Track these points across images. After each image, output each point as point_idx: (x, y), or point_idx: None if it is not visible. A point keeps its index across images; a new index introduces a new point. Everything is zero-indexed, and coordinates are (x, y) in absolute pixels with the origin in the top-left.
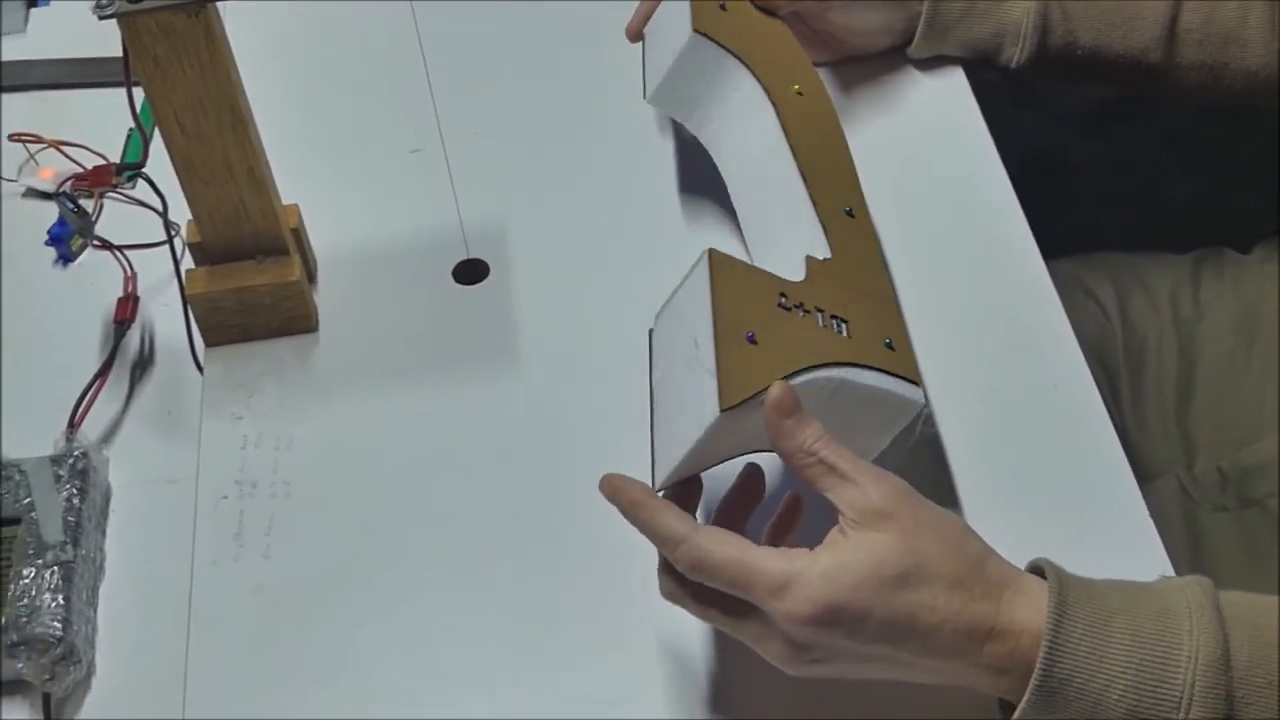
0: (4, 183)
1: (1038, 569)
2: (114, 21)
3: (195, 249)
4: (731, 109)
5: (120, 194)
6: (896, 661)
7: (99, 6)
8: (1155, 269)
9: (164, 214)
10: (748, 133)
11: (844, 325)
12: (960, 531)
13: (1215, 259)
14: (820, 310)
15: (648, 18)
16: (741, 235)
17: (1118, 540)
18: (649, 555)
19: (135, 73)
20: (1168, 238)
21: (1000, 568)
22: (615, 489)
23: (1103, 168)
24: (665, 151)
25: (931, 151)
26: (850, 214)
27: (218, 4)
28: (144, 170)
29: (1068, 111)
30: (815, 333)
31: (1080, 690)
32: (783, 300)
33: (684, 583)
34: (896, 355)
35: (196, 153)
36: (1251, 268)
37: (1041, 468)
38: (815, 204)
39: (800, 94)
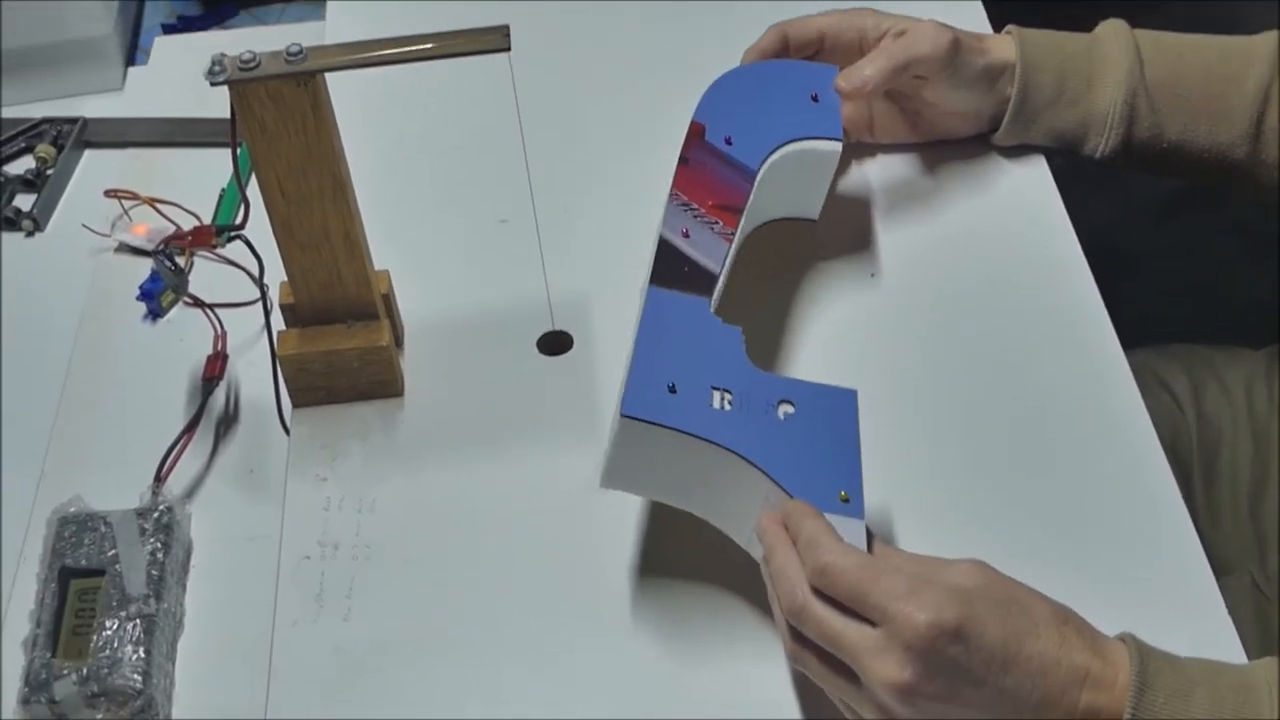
0: (98, 237)
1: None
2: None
3: (287, 310)
4: None
5: (214, 253)
6: (1001, 692)
7: (211, 74)
8: (1230, 362)
9: (260, 276)
10: None
11: None
12: (1039, 592)
13: None
14: None
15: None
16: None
17: (1193, 633)
18: (735, 627)
19: (241, 137)
20: (1237, 329)
21: (1085, 622)
22: (795, 507)
23: (1169, 256)
24: (756, 230)
25: (1013, 238)
26: None
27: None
28: (243, 232)
29: (1134, 199)
30: None
31: None
32: None
33: (809, 615)
34: None
35: (296, 217)
36: None
37: (1117, 557)
38: None
39: None
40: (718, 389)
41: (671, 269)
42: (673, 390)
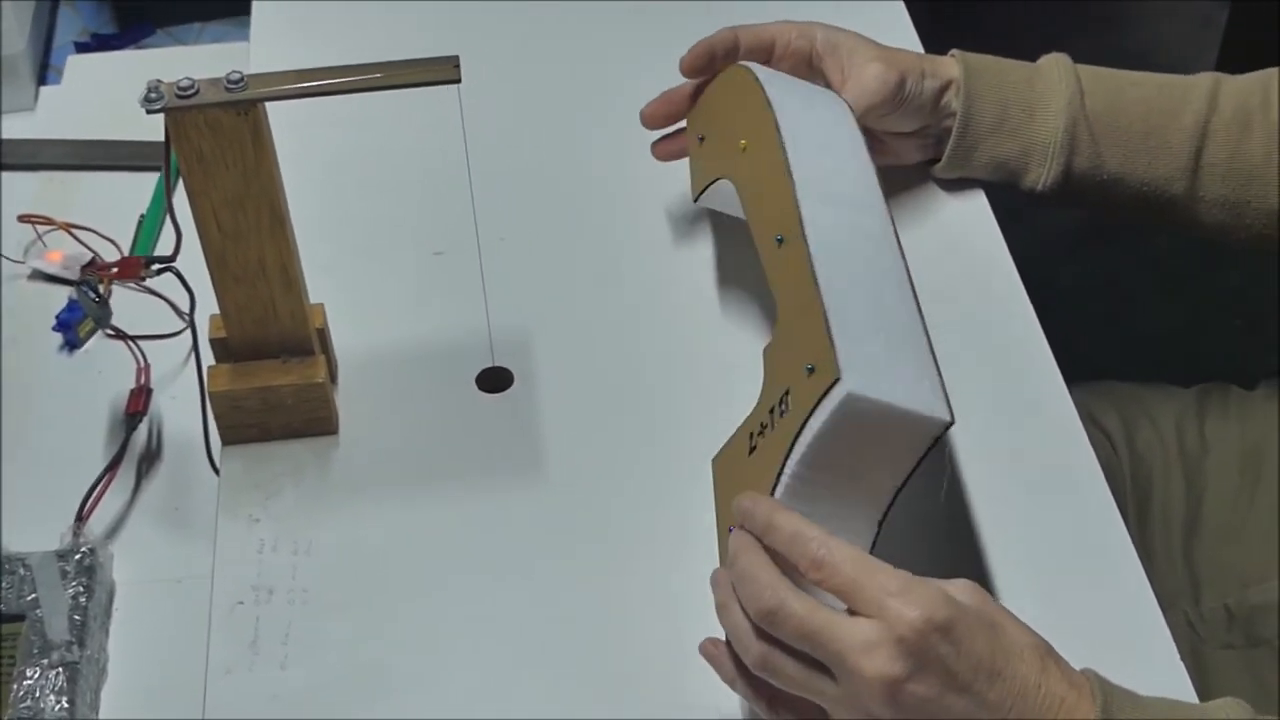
0: (11, 264)
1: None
2: (132, 103)
3: (217, 345)
4: None
5: (137, 284)
6: (983, 704)
7: (148, 100)
8: (1160, 401)
9: (191, 310)
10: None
11: (786, 401)
12: (1024, 623)
13: (1220, 394)
14: (773, 410)
15: (667, 118)
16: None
17: (1144, 672)
18: (674, 666)
19: (179, 166)
20: (1155, 364)
21: (1061, 658)
22: (753, 502)
23: (1084, 290)
24: (699, 262)
25: (954, 272)
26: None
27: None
28: (174, 264)
29: (1047, 233)
30: (771, 446)
31: None
32: (752, 443)
33: (787, 613)
34: (816, 378)
35: (231, 250)
36: (1256, 405)
37: (1065, 593)
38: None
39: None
40: None
41: None
42: None
